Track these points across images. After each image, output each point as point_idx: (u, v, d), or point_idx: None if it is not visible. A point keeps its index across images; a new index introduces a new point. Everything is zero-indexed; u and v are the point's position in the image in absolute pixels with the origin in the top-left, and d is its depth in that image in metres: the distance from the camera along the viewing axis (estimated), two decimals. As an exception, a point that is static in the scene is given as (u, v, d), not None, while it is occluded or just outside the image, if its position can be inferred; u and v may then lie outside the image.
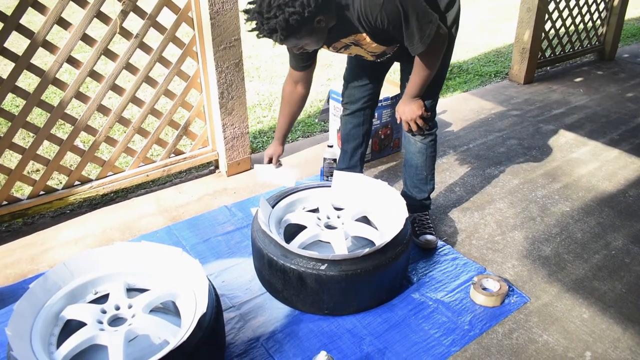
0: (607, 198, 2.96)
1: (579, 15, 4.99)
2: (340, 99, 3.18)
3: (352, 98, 2.62)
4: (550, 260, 2.45)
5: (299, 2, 1.68)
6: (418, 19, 1.87)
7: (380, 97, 3.13)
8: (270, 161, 2.49)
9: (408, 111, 2.24)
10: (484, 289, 2.19)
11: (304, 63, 2.24)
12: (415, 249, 2.48)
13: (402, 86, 2.38)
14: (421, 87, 2.16)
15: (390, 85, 3.20)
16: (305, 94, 2.39)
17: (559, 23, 4.85)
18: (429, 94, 2.25)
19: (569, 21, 4.95)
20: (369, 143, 3.10)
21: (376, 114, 3.13)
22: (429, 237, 2.52)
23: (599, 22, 5.27)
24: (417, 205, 2.60)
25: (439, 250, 2.48)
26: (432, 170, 2.55)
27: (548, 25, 4.73)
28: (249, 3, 1.77)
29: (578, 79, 4.91)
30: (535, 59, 4.70)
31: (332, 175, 2.90)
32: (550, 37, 4.86)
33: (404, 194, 2.60)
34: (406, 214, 2.19)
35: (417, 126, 2.29)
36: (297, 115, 2.46)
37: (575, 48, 5.21)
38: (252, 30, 1.77)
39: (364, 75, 2.54)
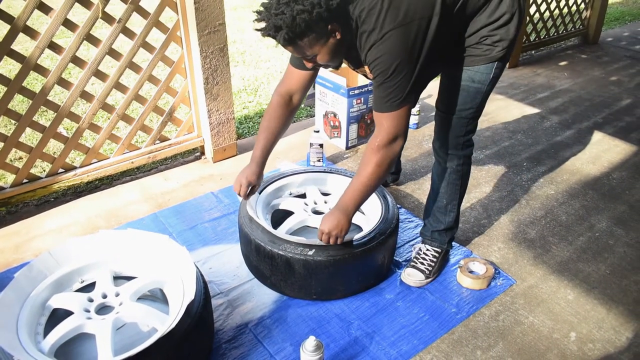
0: (591, 181, 2.99)
1: (563, -1, 5.01)
2: (327, 84, 3.18)
3: None
4: (535, 243, 2.48)
5: (309, 0, 1.55)
6: (401, 79, 1.66)
7: (367, 82, 3.14)
8: (246, 191, 2.09)
9: (335, 225, 1.84)
10: (471, 272, 2.21)
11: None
12: (403, 233, 2.49)
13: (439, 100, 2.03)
14: (360, 196, 1.83)
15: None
16: (297, 107, 2.10)
17: (543, 7, 4.86)
18: (471, 105, 1.93)
19: (553, 5, 4.96)
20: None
21: (362, 99, 3.13)
22: (411, 270, 2.19)
23: (583, 5, 5.30)
24: (428, 236, 2.26)
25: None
26: (455, 200, 2.15)
27: (533, 9, 4.74)
28: (262, 5, 1.64)
29: (562, 63, 4.93)
30: (520, 42, 4.71)
31: (319, 161, 2.90)
32: (535, 21, 4.87)
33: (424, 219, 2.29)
34: (392, 198, 2.20)
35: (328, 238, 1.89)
36: (283, 132, 2.12)
37: (560, 32, 5.23)
38: (260, 29, 1.64)
39: None
